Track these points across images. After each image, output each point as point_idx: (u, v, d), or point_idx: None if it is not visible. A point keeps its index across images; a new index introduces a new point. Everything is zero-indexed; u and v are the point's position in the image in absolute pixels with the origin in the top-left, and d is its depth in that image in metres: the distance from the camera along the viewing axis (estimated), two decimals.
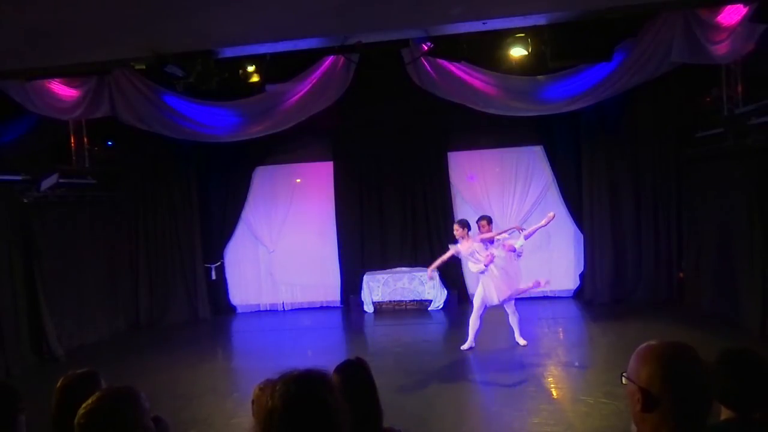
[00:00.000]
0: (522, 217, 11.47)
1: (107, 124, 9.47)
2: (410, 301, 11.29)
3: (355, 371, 2.69)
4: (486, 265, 7.91)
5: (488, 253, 7.94)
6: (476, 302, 8.16)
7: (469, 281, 11.61)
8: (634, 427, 1.74)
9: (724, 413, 2.34)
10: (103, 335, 10.28)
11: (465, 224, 8.09)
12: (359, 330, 10.62)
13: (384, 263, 11.56)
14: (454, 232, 8.10)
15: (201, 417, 6.26)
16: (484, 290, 8.04)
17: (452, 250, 8.15)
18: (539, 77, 8.90)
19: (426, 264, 11.33)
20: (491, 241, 8.04)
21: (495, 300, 8.01)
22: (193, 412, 6.37)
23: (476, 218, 8.41)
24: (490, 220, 8.29)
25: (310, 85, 9.04)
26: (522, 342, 8.25)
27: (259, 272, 12.14)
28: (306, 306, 12.01)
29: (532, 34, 7.66)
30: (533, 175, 11.44)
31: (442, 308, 11.12)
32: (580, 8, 6.47)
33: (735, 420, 2.31)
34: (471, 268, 8.29)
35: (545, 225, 8.51)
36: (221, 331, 11.10)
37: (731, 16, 6.53)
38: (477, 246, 7.98)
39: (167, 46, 6.68)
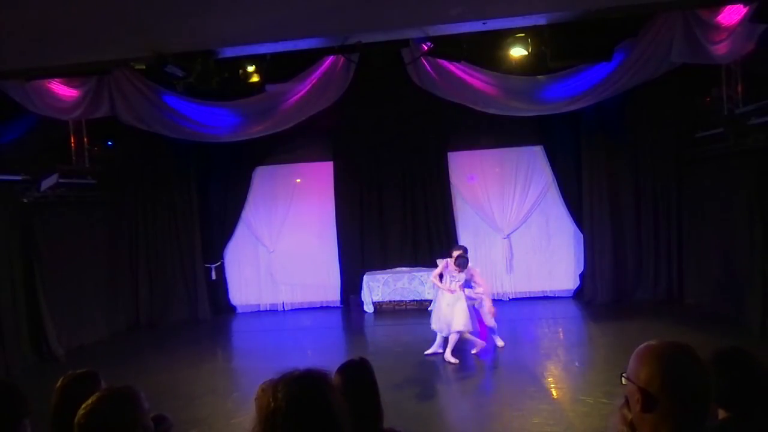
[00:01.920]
0: (522, 217, 11.50)
1: (107, 124, 9.47)
2: (410, 301, 11.29)
3: (358, 371, 2.69)
4: (448, 290, 7.86)
5: (453, 288, 7.84)
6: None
7: None
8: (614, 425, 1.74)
9: (722, 413, 2.34)
10: (103, 335, 10.28)
11: (464, 265, 7.94)
12: (359, 330, 10.62)
13: (384, 263, 11.56)
14: (454, 263, 7.85)
15: (201, 417, 6.27)
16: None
17: (441, 265, 8.04)
18: (539, 77, 8.90)
19: (426, 264, 11.39)
20: (469, 284, 7.96)
21: (432, 325, 8.03)
22: (194, 412, 6.37)
23: (459, 252, 7.98)
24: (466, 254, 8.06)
25: (310, 85, 9.04)
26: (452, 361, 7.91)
27: (259, 272, 12.14)
28: (306, 306, 12.01)
29: (532, 34, 7.66)
30: (533, 175, 11.44)
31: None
32: (580, 8, 6.46)
33: (731, 420, 2.31)
34: (434, 279, 8.08)
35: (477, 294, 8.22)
36: (221, 331, 11.10)
37: (731, 16, 6.53)
38: (459, 277, 7.87)
39: (167, 46, 6.68)
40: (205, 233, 11.75)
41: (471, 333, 7.95)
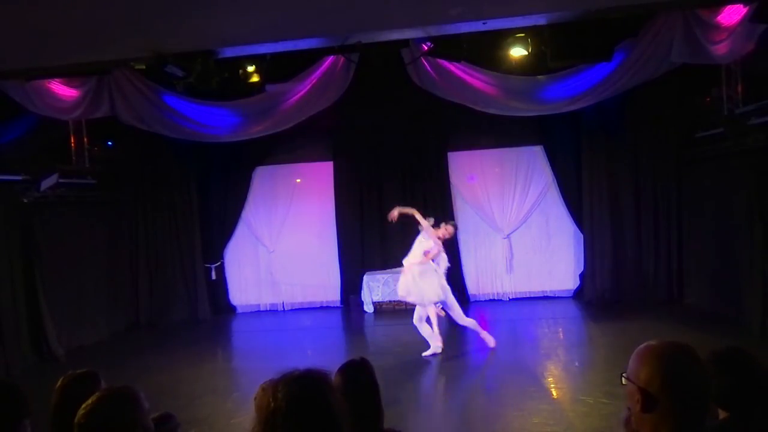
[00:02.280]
0: (522, 217, 11.49)
1: (107, 124, 9.47)
2: None
3: (358, 372, 2.70)
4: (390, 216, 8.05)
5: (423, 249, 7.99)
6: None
7: (469, 281, 11.63)
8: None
9: (722, 413, 2.34)
10: (103, 335, 10.27)
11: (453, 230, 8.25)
12: (359, 330, 10.62)
13: (384, 263, 11.53)
14: (446, 229, 8.12)
15: (201, 417, 6.26)
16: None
17: (427, 224, 8.03)
18: (539, 77, 8.90)
19: None
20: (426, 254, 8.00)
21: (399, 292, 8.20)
22: (194, 412, 6.36)
23: (452, 222, 8.44)
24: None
25: (310, 85, 9.04)
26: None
27: (259, 272, 12.14)
28: (306, 306, 12.00)
29: (532, 34, 7.66)
30: (533, 175, 11.44)
31: (442, 308, 11.10)
32: (580, 8, 6.47)
33: (731, 420, 2.31)
34: (420, 251, 8.08)
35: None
36: (221, 331, 11.10)
37: (731, 16, 6.54)
38: (428, 243, 7.95)
39: (167, 46, 6.68)
40: (205, 233, 11.74)
41: (442, 308, 8.03)
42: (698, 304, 9.69)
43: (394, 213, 8.10)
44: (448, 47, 7.71)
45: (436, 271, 7.95)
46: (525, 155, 11.45)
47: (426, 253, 7.93)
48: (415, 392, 6.72)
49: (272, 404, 1.62)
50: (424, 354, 8.01)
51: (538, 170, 11.42)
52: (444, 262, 8.19)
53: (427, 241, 7.96)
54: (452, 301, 8.11)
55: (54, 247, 9.36)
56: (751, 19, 6.22)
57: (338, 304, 11.91)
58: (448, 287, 8.10)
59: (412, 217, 8.04)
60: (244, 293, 12.21)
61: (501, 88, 9.00)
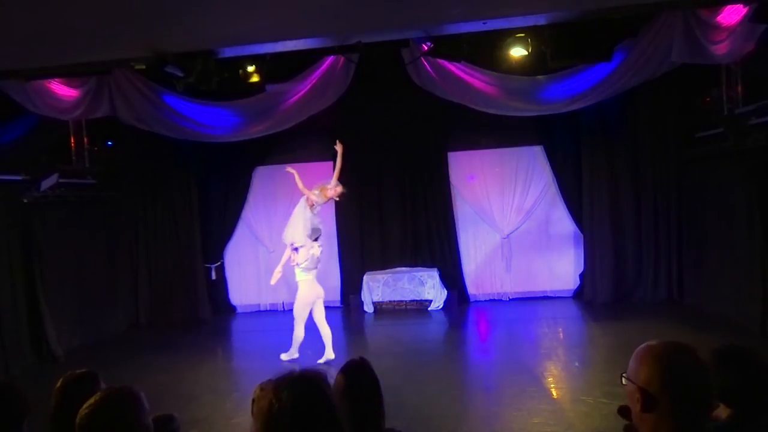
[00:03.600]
0: (522, 217, 11.49)
1: (107, 124, 9.47)
2: (410, 301, 11.28)
3: (360, 372, 2.70)
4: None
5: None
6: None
7: (469, 281, 11.62)
8: None
9: (724, 411, 2.34)
10: (103, 335, 10.27)
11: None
12: (359, 330, 10.62)
13: (384, 263, 11.55)
14: (335, 189, 8.37)
15: (201, 417, 6.26)
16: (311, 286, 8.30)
17: (303, 187, 8.43)
18: (539, 77, 8.90)
19: (426, 264, 11.39)
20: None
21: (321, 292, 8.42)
22: (194, 412, 6.36)
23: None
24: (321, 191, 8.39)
25: (310, 85, 9.05)
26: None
27: (259, 272, 12.13)
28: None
29: (532, 34, 7.65)
30: (533, 175, 11.44)
31: (442, 308, 11.11)
32: (580, 8, 6.46)
33: (735, 417, 2.31)
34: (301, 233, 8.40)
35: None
36: (221, 331, 11.10)
37: (731, 16, 6.53)
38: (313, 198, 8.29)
39: (167, 46, 6.68)
40: (205, 233, 11.74)
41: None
42: (698, 304, 9.69)
43: (288, 169, 8.70)
44: (448, 47, 7.71)
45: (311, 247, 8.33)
46: (525, 155, 11.45)
47: (308, 199, 8.36)
48: (415, 392, 6.71)
49: (276, 405, 1.61)
50: (318, 361, 8.05)
51: (538, 170, 11.42)
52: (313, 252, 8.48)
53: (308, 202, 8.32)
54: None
55: (54, 247, 9.35)
56: (751, 19, 6.22)
57: (338, 304, 11.90)
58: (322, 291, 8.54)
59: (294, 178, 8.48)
60: (244, 293, 12.20)
61: (501, 88, 8.99)
